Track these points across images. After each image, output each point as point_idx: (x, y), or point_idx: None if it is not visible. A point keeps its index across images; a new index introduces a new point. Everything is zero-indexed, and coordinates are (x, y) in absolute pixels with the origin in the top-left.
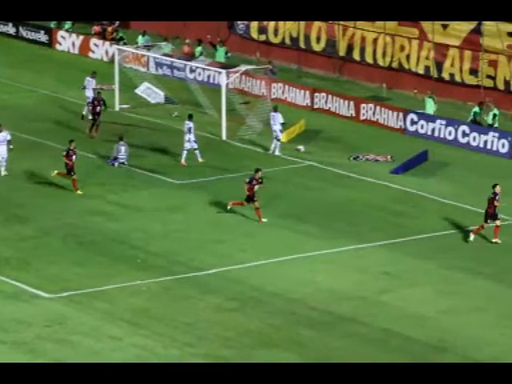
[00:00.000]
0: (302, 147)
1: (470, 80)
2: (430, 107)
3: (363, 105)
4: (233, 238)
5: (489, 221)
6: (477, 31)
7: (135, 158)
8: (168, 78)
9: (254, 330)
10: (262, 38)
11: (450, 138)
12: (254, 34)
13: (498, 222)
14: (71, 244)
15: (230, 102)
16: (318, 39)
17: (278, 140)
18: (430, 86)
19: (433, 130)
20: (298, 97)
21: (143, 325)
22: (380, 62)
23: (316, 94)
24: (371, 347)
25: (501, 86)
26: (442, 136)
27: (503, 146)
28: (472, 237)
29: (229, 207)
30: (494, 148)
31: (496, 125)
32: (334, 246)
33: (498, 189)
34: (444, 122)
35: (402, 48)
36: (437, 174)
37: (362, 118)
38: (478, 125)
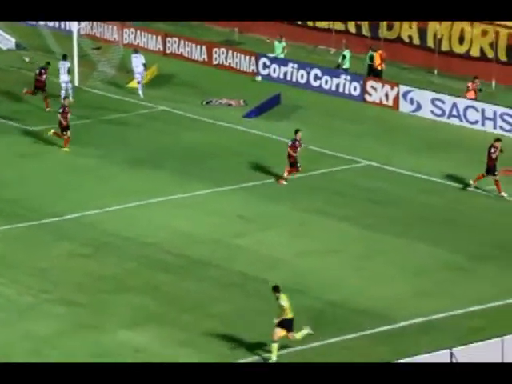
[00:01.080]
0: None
1: (322, 24)
2: (279, 51)
3: (215, 49)
4: (88, 183)
5: (486, 175)
6: None
7: None
8: (19, 24)
9: (109, 275)
10: None
11: (303, 81)
12: None
13: (497, 177)
14: None
15: (82, 47)
16: None
17: (139, 82)
18: (281, 29)
19: (285, 74)
20: (150, 42)
21: None
22: None
23: (168, 39)
24: (227, 291)
25: (352, 30)
26: (294, 80)
27: (355, 89)
28: (472, 185)
29: (285, 175)
30: (347, 91)
31: (346, 66)
32: (189, 190)
33: (497, 144)
34: (296, 66)
35: None
36: (290, 118)
37: (214, 62)
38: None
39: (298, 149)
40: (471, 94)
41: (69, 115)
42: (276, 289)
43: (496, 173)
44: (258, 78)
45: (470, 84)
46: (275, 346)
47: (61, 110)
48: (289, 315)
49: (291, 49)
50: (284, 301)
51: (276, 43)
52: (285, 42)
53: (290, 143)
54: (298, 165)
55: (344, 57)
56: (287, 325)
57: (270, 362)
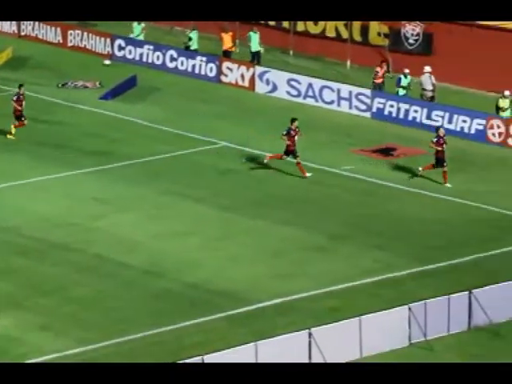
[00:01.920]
0: None
1: None
2: (138, 32)
3: (70, 31)
4: None
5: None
6: None
7: None
8: None
9: None
10: None
11: (159, 62)
12: None
13: (445, 169)
14: None
15: None
16: None
17: None
18: None
19: (141, 55)
20: (5, 24)
21: None
22: None
23: (22, 21)
24: (84, 274)
25: None
26: (150, 61)
27: (211, 70)
28: (421, 171)
29: (266, 161)
30: (203, 72)
31: (194, 47)
32: (46, 173)
33: (441, 131)
34: (152, 47)
35: None
36: (146, 100)
37: (69, 44)
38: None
39: (296, 137)
40: (380, 79)
41: (23, 103)
42: None
43: (445, 164)
44: (107, 62)
45: (379, 69)
46: None
47: (15, 98)
48: None
49: (148, 30)
50: None
51: (135, 24)
52: (144, 23)
53: (284, 132)
54: (297, 154)
55: (190, 38)
56: None
57: None
